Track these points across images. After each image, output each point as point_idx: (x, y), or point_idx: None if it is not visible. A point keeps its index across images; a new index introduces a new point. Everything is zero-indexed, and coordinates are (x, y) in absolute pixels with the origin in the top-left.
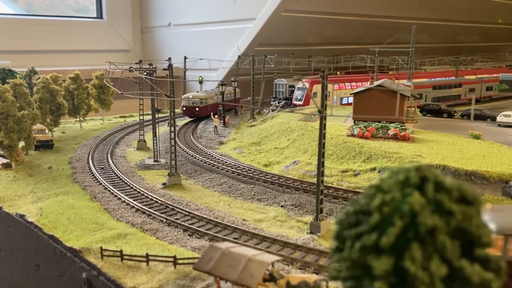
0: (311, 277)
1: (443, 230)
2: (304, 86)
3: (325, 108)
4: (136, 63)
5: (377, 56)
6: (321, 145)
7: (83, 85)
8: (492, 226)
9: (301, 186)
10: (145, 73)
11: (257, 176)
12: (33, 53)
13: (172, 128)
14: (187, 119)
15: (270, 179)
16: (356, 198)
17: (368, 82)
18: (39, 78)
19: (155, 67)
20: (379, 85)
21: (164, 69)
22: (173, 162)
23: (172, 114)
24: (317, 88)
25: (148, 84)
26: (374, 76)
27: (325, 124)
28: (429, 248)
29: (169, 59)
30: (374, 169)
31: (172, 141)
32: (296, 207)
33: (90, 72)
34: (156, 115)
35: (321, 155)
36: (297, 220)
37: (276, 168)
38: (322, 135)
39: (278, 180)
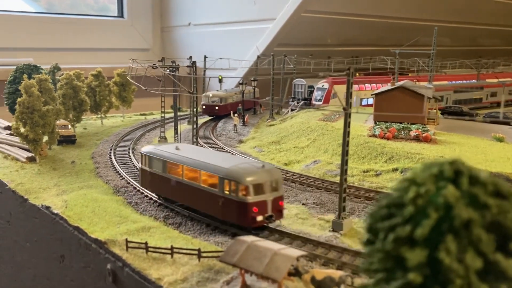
0: (336, 273)
1: (478, 223)
2: (323, 87)
3: (349, 106)
4: (158, 61)
5: (398, 57)
6: (345, 143)
7: (104, 82)
8: None
9: (323, 185)
10: (168, 70)
11: None
12: (55, 51)
13: (194, 125)
14: (207, 118)
15: (291, 177)
16: (387, 193)
17: (389, 84)
18: (62, 74)
19: (178, 65)
20: (401, 86)
21: (188, 66)
22: None
23: (194, 111)
24: (337, 88)
25: (170, 82)
26: (395, 78)
27: (349, 122)
28: (464, 241)
29: (190, 57)
30: (396, 169)
31: (194, 138)
32: (317, 205)
33: (111, 70)
34: (165, 114)
35: (345, 153)
36: (319, 218)
37: (296, 167)
38: (346, 133)
39: (299, 179)
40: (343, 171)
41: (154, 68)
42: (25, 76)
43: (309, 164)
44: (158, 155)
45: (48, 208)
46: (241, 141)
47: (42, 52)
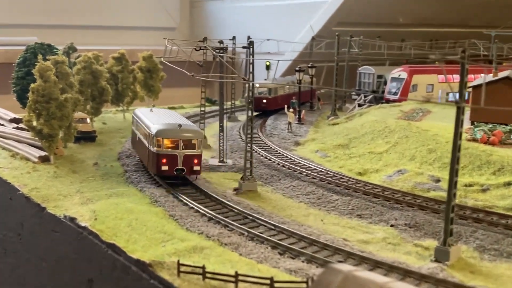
0: None
1: None
2: (400, 77)
3: (462, 99)
4: (200, 41)
5: (495, 41)
6: (456, 148)
7: (128, 67)
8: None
9: (415, 201)
10: (212, 51)
11: (353, 186)
12: (63, 29)
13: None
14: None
15: (371, 191)
16: None
17: (491, 74)
18: (79, 56)
19: (226, 46)
20: (507, 77)
21: (244, 47)
22: (248, 163)
23: (250, 103)
24: (418, 79)
25: (207, 67)
26: (495, 67)
27: (462, 121)
28: None
29: (234, 38)
30: (509, 184)
31: (248, 137)
32: (410, 227)
33: (132, 52)
34: (207, 107)
35: (455, 160)
36: (415, 244)
37: (375, 178)
38: (458, 135)
39: (383, 193)
40: (452, 184)
41: (197, 50)
42: (40, 57)
43: (391, 174)
44: (136, 116)
45: (73, 220)
46: (298, 143)
47: (48, 30)
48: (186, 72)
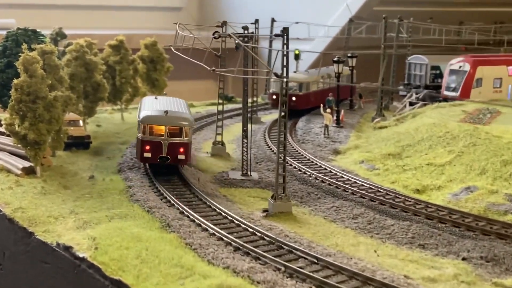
0: None
1: None
2: (461, 68)
3: None
4: (217, 26)
5: None
6: None
7: (128, 58)
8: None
9: (491, 228)
10: (238, 41)
11: (412, 208)
12: (47, 9)
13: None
14: (277, 113)
15: (435, 214)
16: None
17: None
18: (69, 44)
19: (252, 33)
20: None
21: (276, 35)
22: (281, 178)
23: (283, 104)
24: (484, 72)
25: (232, 58)
26: None
27: None
28: None
29: (257, 21)
30: None
31: (281, 145)
32: (487, 261)
33: (130, 38)
34: (223, 106)
35: None
36: (494, 283)
37: (437, 197)
38: None
39: (450, 217)
40: None
41: (216, 38)
42: (24, 46)
43: (458, 192)
44: (140, 103)
45: (68, 248)
46: (337, 152)
47: (29, 11)
48: (206, 67)
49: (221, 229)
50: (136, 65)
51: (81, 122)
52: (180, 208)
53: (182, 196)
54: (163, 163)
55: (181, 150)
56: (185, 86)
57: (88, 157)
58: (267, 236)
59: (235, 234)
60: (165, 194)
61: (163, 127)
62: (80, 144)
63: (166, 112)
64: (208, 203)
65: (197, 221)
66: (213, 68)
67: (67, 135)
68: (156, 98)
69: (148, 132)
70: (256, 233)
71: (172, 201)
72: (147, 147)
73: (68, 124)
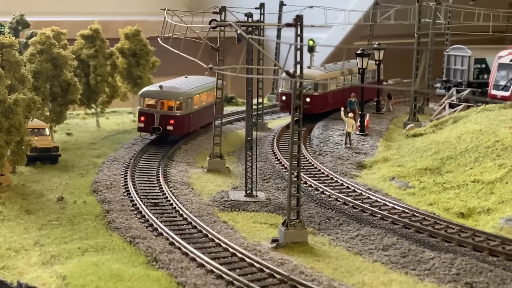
0: None
1: None
2: None
3: None
4: (214, 13)
5: None
6: None
7: (104, 50)
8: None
9: None
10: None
11: (456, 237)
12: None
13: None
14: (287, 118)
15: (485, 245)
16: None
17: None
18: (32, 34)
19: (258, 21)
20: None
21: (287, 25)
22: (294, 200)
23: (297, 109)
24: None
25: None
26: None
27: None
28: None
29: (262, 5)
30: None
31: (295, 160)
32: None
33: (106, 26)
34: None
35: None
36: None
37: (485, 222)
38: None
39: (503, 248)
40: None
41: (214, 28)
42: None
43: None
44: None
45: None
46: (362, 166)
47: None
48: (201, 63)
49: (220, 264)
50: (114, 60)
51: (47, 131)
52: (170, 238)
53: (173, 222)
54: (156, 133)
55: (172, 121)
56: None
57: (56, 173)
58: (278, 273)
59: (238, 270)
60: (151, 220)
61: (157, 100)
62: (46, 157)
63: (161, 87)
64: (204, 231)
65: (191, 255)
66: (210, 66)
67: (31, 147)
68: (186, 77)
69: (144, 104)
70: (264, 269)
71: (160, 229)
72: (142, 118)
73: (32, 133)
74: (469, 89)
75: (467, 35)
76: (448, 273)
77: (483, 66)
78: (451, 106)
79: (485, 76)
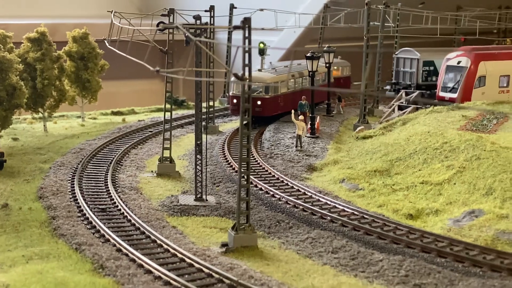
0: None
1: None
2: (459, 64)
3: None
4: (163, 15)
5: None
6: None
7: (52, 54)
8: None
9: (502, 263)
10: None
11: (405, 238)
12: None
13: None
14: (239, 121)
15: (433, 246)
16: None
17: None
18: None
19: (206, 24)
20: None
21: (236, 27)
22: (243, 204)
23: (246, 110)
24: (488, 68)
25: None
26: None
27: None
28: None
29: (212, 8)
30: None
31: (243, 163)
32: None
33: (54, 29)
34: (172, 113)
35: None
36: None
37: (433, 223)
38: None
39: (451, 249)
40: None
41: (162, 30)
42: None
43: (460, 218)
44: None
45: None
46: (313, 168)
47: None
48: (148, 66)
49: (169, 270)
50: (62, 63)
51: None
52: (117, 245)
53: (120, 228)
54: None
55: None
56: (126, 87)
57: (0, 179)
58: (227, 278)
59: (186, 276)
60: (98, 227)
61: None
62: None
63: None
64: (152, 236)
65: (139, 261)
66: (157, 69)
67: None
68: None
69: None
70: (213, 274)
71: (107, 235)
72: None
73: None
74: (417, 91)
75: (416, 37)
76: (397, 275)
77: (432, 68)
78: (400, 108)
79: (434, 78)
